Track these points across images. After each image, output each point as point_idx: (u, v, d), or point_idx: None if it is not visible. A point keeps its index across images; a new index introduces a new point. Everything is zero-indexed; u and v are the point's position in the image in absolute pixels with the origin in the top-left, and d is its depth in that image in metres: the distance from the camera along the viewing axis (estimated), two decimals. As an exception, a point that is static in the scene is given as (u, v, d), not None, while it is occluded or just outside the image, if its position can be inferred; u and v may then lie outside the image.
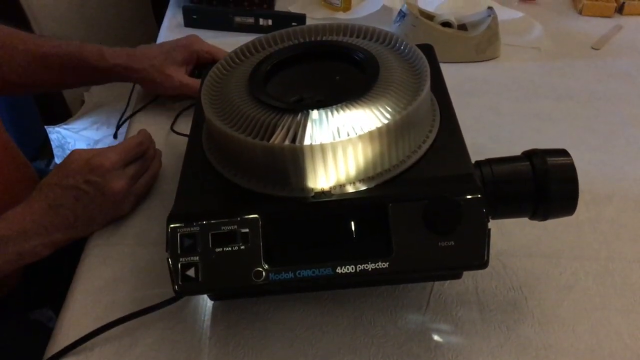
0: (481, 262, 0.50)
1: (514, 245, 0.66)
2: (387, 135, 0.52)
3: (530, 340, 0.58)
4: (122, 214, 0.70)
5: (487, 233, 0.51)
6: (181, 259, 0.52)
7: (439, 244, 0.51)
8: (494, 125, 0.84)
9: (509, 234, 0.67)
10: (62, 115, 1.39)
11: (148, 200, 0.73)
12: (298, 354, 0.57)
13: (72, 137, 1.37)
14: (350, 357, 0.56)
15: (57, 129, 1.38)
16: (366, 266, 0.51)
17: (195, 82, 0.83)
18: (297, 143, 0.52)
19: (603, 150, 0.79)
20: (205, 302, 0.61)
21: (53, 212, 0.64)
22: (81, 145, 1.34)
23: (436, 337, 0.58)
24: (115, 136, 0.91)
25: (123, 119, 0.88)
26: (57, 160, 1.46)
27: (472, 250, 0.51)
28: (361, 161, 0.53)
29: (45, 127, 1.40)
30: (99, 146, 1.34)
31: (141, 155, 0.72)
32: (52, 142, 1.41)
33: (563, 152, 0.56)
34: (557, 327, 0.59)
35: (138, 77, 0.85)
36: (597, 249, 0.66)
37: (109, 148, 0.68)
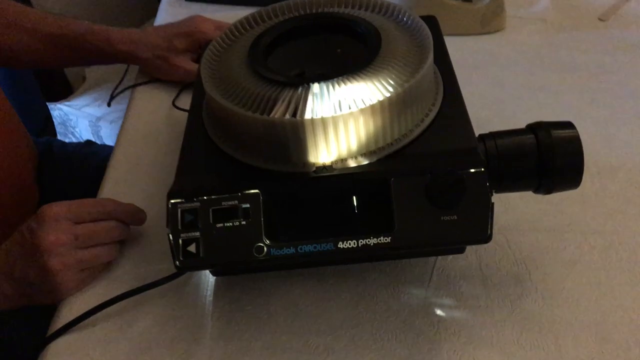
0: (484, 237, 0.50)
1: (518, 220, 0.66)
2: (389, 109, 0.51)
3: (533, 315, 0.57)
4: (60, 290, 0.58)
5: (490, 207, 0.50)
6: (182, 235, 0.51)
7: (442, 218, 0.50)
8: (498, 99, 0.83)
9: (512, 208, 0.67)
10: (64, 92, 1.39)
11: (148, 181, 0.72)
12: (301, 328, 0.57)
13: (74, 114, 1.36)
14: (352, 331, 0.56)
15: (58, 105, 1.38)
16: (368, 241, 0.51)
17: None
18: (297, 117, 0.51)
19: (609, 123, 0.78)
20: (208, 278, 0.61)
21: (3, 255, 0.59)
22: (83, 122, 1.34)
23: (439, 312, 0.58)
24: (109, 104, 0.90)
25: (120, 89, 0.88)
26: (60, 137, 1.46)
27: (475, 224, 0.50)
28: (363, 135, 0.52)
29: (47, 103, 1.40)
30: (100, 124, 1.34)
31: (100, 218, 0.60)
32: (54, 119, 1.41)
33: (568, 125, 0.55)
34: (561, 302, 0.58)
35: (144, 65, 0.87)
36: (602, 223, 0.65)
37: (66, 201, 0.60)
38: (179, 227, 0.51)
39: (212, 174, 0.55)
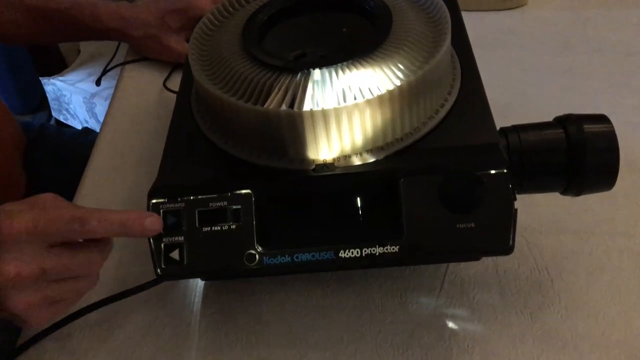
0: (506, 247, 0.44)
1: (539, 220, 0.60)
2: (400, 99, 0.45)
3: (556, 329, 0.52)
4: (26, 326, 0.48)
5: (513, 214, 0.44)
6: (164, 239, 0.46)
7: (457, 225, 0.44)
8: (519, 82, 0.76)
9: (533, 207, 0.60)
10: (57, 66, 1.33)
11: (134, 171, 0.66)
12: (297, 340, 0.51)
13: (67, 90, 1.30)
14: (354, 345, 0.51)
15: (52, 80, 1.32)
16: (373, 250, 0.45)
17: None
18: (295, 108, 0.45)
19: (641, 111, 0.71)
20: (196, 282, 0.55)
21: None
22: (77, 98, 1.28)
23: (451, 324, 0.52)
24: (98, 83, 0.85)
25: (109, 67, 0.82)
26: (55, 114, 1.41)
27: (496, 233, 0.44)
28: (369, 129, 0.46)
29: (40, 78, 1.34)
30: (95, 100, 1.29)
31: (74, 237, 0.45)
32: (47, 95, 1.36)
33: (602, 118, 0.49)
34: (586, 314, 0.52)
35: (135, 44, 0.81)
36: (632, 225, 0.59)
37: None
38: (161, 231, 0.46)
39: (199, 170, 0.49)
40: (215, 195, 0.46)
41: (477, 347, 0.50)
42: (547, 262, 0.56)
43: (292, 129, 0.45)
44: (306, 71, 0.46)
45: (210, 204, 0.46)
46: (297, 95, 0.46)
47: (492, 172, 0.44)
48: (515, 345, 0.50)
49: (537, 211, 0.60)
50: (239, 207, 0.46)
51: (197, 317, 0.53)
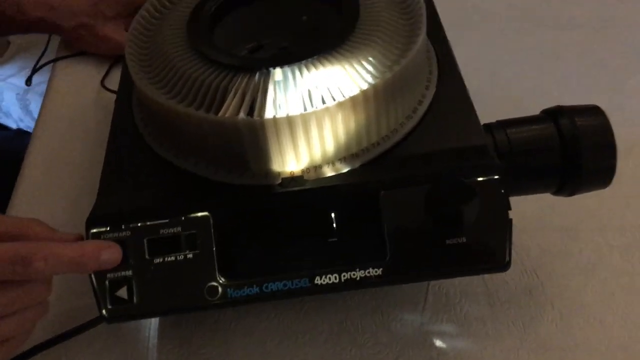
0: (502, 264, 0.39)
1: (523, 217, 0.54)
2: (376, 100, 0.39)
3: (551, 339, 0.47)
4: None
5: (508, 225, 0.39)
6: (109, 275, 0.39)
7: (446, 241, 0.39)
8: (489, 64, 0.71)
9: (516, 203, 0.56)
10: (-16, 60, 1.22)
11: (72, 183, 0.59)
12: (270, 374, 0.46)
13: (-2, 86, 1.21)
14: (334, 374, 0.46)
15: (-21, 76, 1.22)
16: (353, 274, 0.39)
17: None
18: (255, 115, 0.38)
19: (618, 90, 0.67)
20: (150, 313, 0.49)
21: None
22: (10, 95, 1.18)
23: (438, 343, 0.47)
24: (28, 82, 0.76)
25: (41, 63, 0.74)
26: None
27: (490, 248, 0.39)
28: (342, 135, 0.40)
29: (-33, 74, 1.23)
30: (29, 96, 1.18)
31: (15, 279, 0.37)
32: (-23, 92, 1.25)
33: (595, 110, 0.45)
34: (582, 320, 0.48)
35: (66, 36, 0.73)
36: (620, 217, 0.55)
37: None
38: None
39: (146, 190, 0.42)
40: (167, 221, 0.39)
41: (469, 367, 0.46)
42: (535, 264, 0.52)
43: (253, 139, 0.39)
44: (265, 70, 0.40)
45: (161, 231, 0.39)
46: (256, 99, 0.39)
47: (482, 178, 0.39)
48: (509, 361, 0.46)
49: (521, 208, 0.55)
50: (195, 232, 0.39)
51: (154, 356, 0.46)
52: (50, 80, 0.70)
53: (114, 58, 0.71)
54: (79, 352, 0.47)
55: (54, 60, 0.72)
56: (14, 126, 1.26)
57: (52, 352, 0.45)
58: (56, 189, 0.60)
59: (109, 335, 0.47)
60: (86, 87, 0.66)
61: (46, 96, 0.69)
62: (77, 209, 0.56)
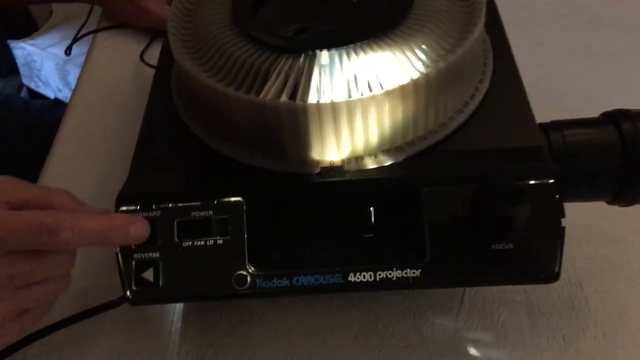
0: (551, 275, 0.37)
1: (570, 225, 0.52)
2: (427, 91, 0.37)
3: (592, 357, 0.45)
4: None
5: (560, 233, 0.37)
6: (136, 255, 0.38)
7: (492, 246, 0.37)
8: (537, 64, 0.67)
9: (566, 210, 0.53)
10: (28, 28, 1.22)
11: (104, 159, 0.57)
12: (294, 369, 0.44)
13: (38, 55, 1.20)
14: (361, 376, 0.44)
15: (21, 44, 1.22)
16: (389, 273, 0.37)
17: None
18: (298, 100, 0.36)
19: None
20: (175, 296, 0.47)
21: None
22: (49, 64, 1.18)
23: (472, 351, 0.45)
24: (68, 52, 0.75)
25: (81, 33, 0.73)
26: (24, 81, 1.30)
27: (539, 258, 0.37)
28: (387, 126, 0.38)
29: (8, 42, 1.23)
30: (68, 67, 1.18)
31: (41, 248, 0.36)
32: (16, 60, 1.25)
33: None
34: (626, 338, 0.46)
35: (108, 8, 0.73)
36: (676, 230, 0.52)
37: None
38: (132, 245, 0.38)
39: (179, 171, 0.41)
40: (199, 203, 0.38)
41: (503, 379, 0.44)
42: (581, 276, 0.49)
43: (293, 125, 0.37)
44: (311, 53, 0.38)
45: (192, 214, 0.38)
46: (299, 83, 0.37)
47: (536, 182, 0.37)
48: (546, 377, 0.44)
49: (568, 215, 0.53)
50: (227, 217, 0.38)
51: (177, 340, 0.45)
52: (89, 52, 0.69)
53: (154, 32, 0.70)
54: (99, 331, 0.46)
55: (95, 31, 0.72)
56: (52, 96, 1.27)
57: (71, 329, 0.44)
58: (88, 162, 0.59)
59: (131, 317, 0.46)
60: (125, 60, 0.65)
61: (84, 67, 0.68)
62: (108, 184, 0.56)
